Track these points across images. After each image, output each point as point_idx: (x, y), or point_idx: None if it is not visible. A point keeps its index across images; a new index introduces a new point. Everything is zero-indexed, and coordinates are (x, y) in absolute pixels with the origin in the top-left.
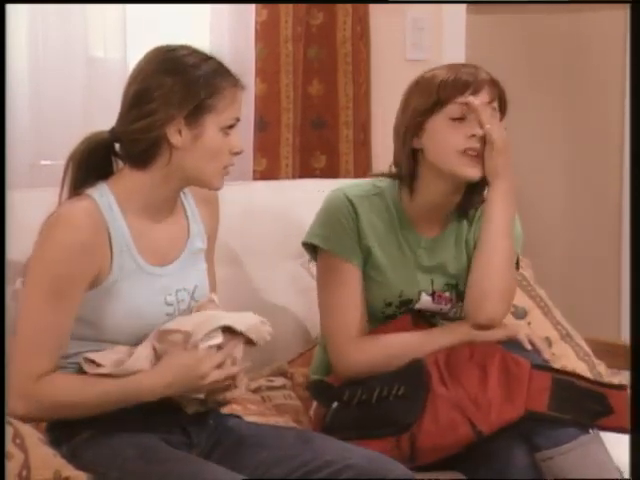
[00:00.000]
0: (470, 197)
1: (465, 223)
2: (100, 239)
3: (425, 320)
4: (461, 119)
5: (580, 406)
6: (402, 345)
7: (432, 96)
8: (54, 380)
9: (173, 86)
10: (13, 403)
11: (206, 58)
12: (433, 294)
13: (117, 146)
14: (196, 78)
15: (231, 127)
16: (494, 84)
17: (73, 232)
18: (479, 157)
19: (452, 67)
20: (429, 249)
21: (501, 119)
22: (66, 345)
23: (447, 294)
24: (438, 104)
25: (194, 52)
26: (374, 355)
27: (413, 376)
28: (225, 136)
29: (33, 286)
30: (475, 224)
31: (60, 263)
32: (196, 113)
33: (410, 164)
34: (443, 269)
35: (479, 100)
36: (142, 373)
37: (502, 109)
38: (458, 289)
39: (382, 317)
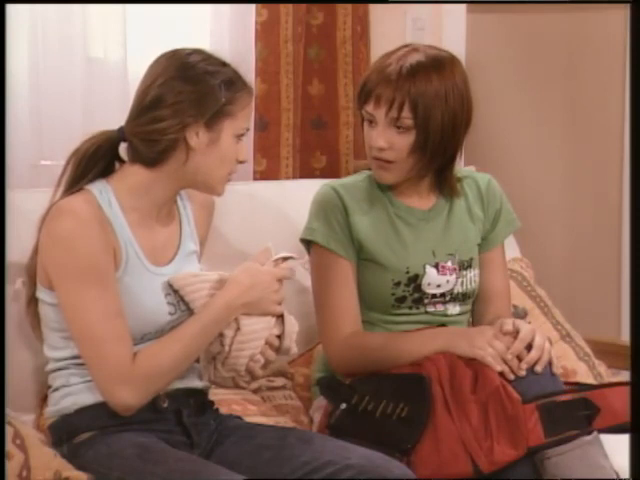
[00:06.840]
0: (440, 174)
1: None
2: (105, 227)
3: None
4: (371, 122)
5: (571, 419)
6: (380, 345)
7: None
8: (145, 351)
9: (191, 93)
10: (125, 395)
11: (223, 64)
12: (437, 265)
13: (122, 145)
14: (216, 85)
15: (242, 135)
16: (399, 86)
17: (77, 218)
18: (387, 164)
19: (376, 64)
20: (425, 220)
21: (414, 122)
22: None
23: (449, 263)
24: (359, 104)
25: (210, 57)
26: (355, 355)
27: (418, 396)
28: (237, 143)
29: (64, 281)
30: (472, 196)
31: (75, 244)
32: (216, 117)
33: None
34: (442, 239)
35: (374, 110)
36: (213, 298)
37: (414, 109)
38: (459, 258)
39: (392, 299)
